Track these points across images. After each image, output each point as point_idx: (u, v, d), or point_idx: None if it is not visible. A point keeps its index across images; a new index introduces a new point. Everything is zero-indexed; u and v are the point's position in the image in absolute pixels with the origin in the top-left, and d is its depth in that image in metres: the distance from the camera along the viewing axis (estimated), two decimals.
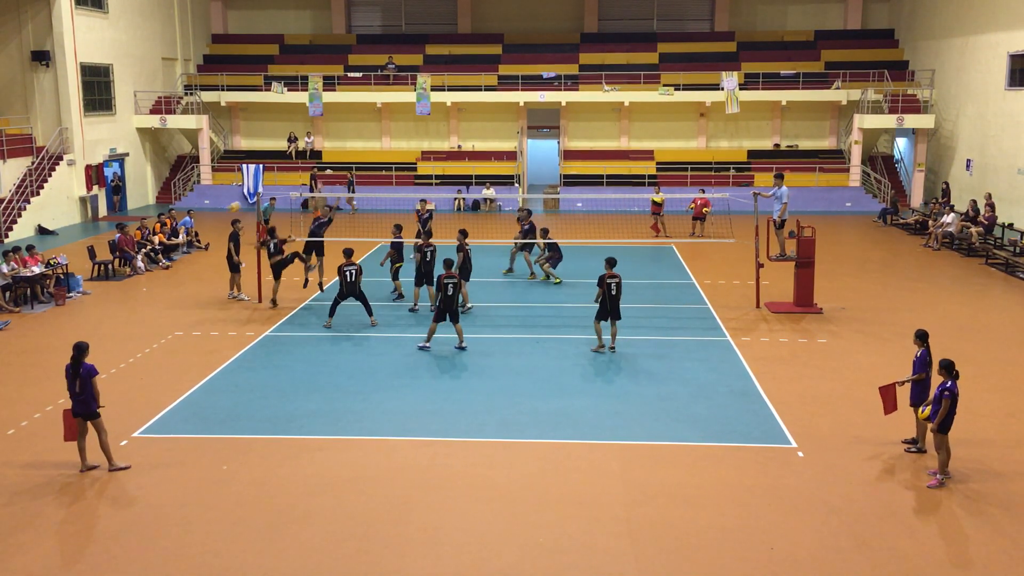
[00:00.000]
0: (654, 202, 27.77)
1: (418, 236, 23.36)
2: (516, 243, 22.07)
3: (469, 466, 11.02)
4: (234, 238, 19.64)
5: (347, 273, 17.09)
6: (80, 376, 10.65)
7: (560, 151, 38.03)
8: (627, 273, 22.39)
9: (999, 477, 10.70)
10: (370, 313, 17.43)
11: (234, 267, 19.56)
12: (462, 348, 15.75)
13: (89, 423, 10.80)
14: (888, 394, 11.49)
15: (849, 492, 10.27)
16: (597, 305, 15.59)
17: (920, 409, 10.94)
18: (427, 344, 15.84)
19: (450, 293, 15.43)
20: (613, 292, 15.29)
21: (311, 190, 32.74)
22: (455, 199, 34.58)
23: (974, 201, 27.02)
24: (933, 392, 10.66)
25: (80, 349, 10.76)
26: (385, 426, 12.32)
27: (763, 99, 36.16)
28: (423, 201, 24.21)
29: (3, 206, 27.51)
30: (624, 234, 26.43)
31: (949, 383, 10.31)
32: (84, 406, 10.72)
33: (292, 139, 37.54)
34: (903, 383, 11.41)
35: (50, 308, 19.18)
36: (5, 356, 15.77)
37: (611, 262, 15.55)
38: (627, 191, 33.60)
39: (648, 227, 27.85)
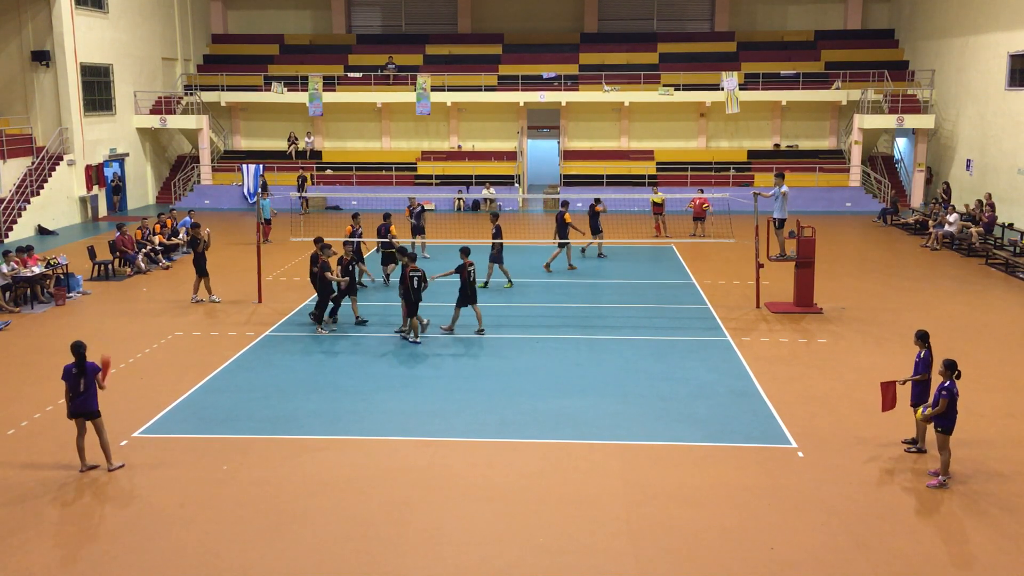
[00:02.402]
0: (654, 202, 27.78)
1: (413, 234, 23.51)
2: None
3: (469, 466, 11.02)
4: (194, 243, 19.36)
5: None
6: (86, 374, 10.65)
7: (560, 151, 38.04)
8: (627, 273, 22.53)
9: (999, 477, 10.70)
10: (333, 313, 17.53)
11: (201, 270, 19.25)
12: (416, 342, 16.19)
13: (89, 423, 10.80)
14: (888, 391, 11.47)
15: (849, 492, 10.27)
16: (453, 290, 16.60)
17: (920, 410, 10.93)
18: (417, 339, 16.20)
19: (416, 286, 15.93)
20: (472, 278, 16.39)
21: (298, 189, 32.67)
22: (455, 199, 34.58)
23: (980, 201, 26.95)
24: (934, 393, 10.66)
25: (83, 347, 10.76)
26: (385, 426, 12.33)
27: (763, 99, 36.16)
28: (411, 198, 24.40)
29: (3, 206, 27.51)
30: (624, 234, 26.41)
31: (948, 383, 10.31)
32: (85, 405, 10.70)
33: (292, 139, 37.54)
34: (904, 382, 11.40)
35: (50, 308, 19.18)
36: (5, 356, 15.77)
37: (466, 251, 16.79)
38: (627, 191, 33.59)
39: (660, 231, 27.85)
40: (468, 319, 17.30)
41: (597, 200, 24.48)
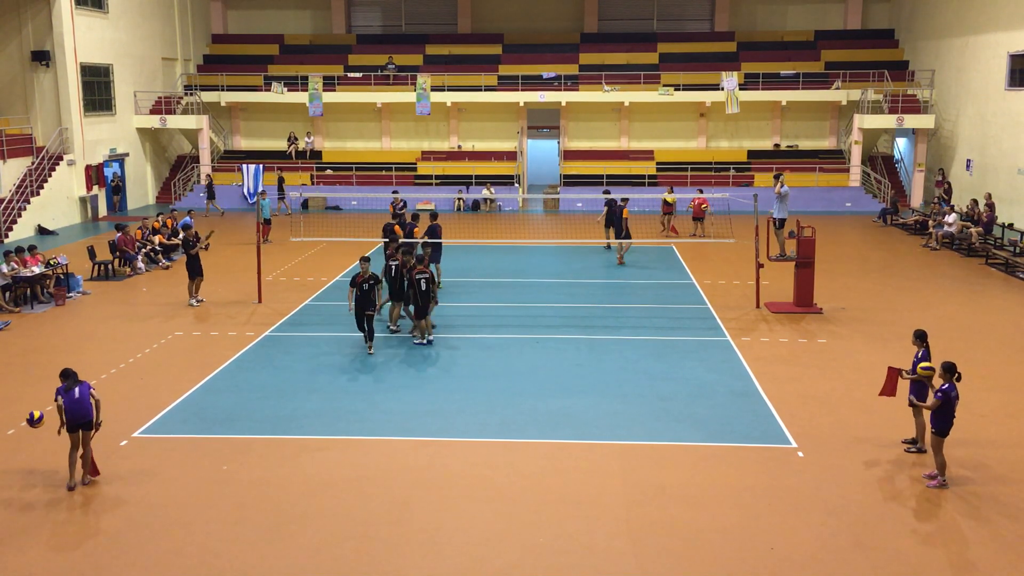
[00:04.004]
0: (665, 202, 27.85)
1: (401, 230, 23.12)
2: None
3: (469, 466, 11.02)
4: (187, 244, 19.07)
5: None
6: (80, 385, 10.51)
7: (560, 151, 38.04)
8: (627, 273, 22.52)
9: (998, 477, 10.69)
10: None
11: (194, 273, 18.99)
12: (425, 343, 16.10)
13: (83, 432, 10.49)
14: (892, 377, 11.42)
15: (849, 492, 10.27)
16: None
17: (911, 397, 10.95)
18: (426, 340, 16.10)
19: (424, 288, 15.83)
20: (424, 287, 15.86)
21: (278, 190, 32.54)
22: (455, 199, 34.59)
23: (975, 201, 27.01)
24: (932, 393, 10.65)
25: (72, 370, 10.59)
26: (385, 426, 12.33)
27: (763, 99, 36.15)
28: (396, 196, 24.38)
29: (3, 206, 27.51)
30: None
31: (947, 385, 10.30)
32: (84, 413, 10.42)
33: (292, 139, 37.55)
34: (905, 376, 11.38)
35: (50, 308, 19.18)
36: (5, 356, 15.77)
37: (420, 259, 16.33)
38: (627, 191, 33.54)
39: (665, 227, 27.94)
40: (454, 319, 17.29)
41: (625, 200, 24.50)
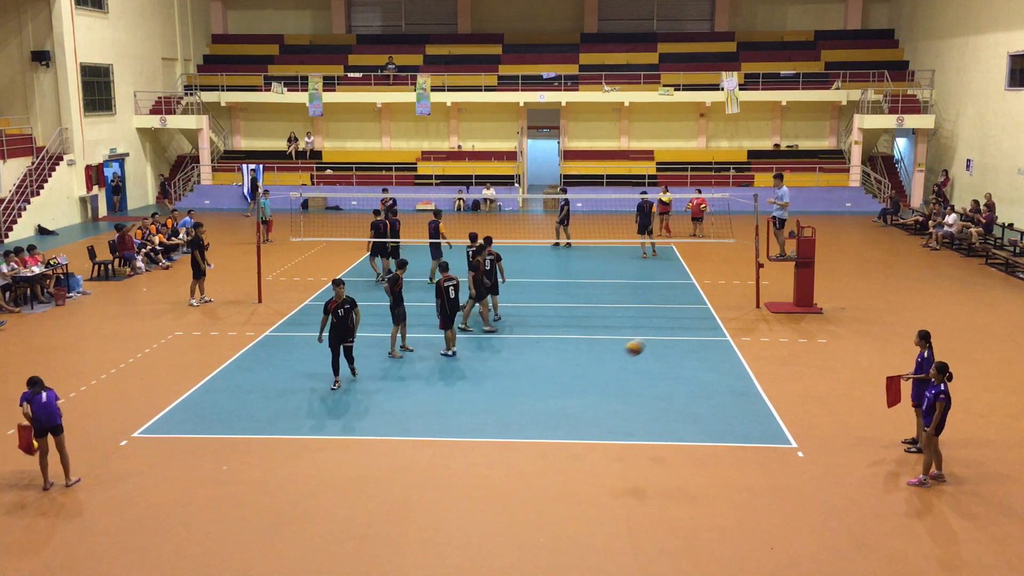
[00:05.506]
0: (661, 202, 27.83)
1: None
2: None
3: (469, 466, 11.02)
4: (197, 244, 19.02)
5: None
6: (46, 390, 10.50)
7: (560, 151, 38.04)
8: (628, 273, 22.52)
9: (999, 478, 10.70)
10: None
11: (199, 273, 18.98)
12: (448, 354, 15.57)
13: (52, 439, 10.48)
14: (893, 386, 11.43)
15: (849, 492, 10.27)
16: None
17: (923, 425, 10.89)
18: (450, 351, 15.58)
19: (452, 296, 15.46)
20: (452, 296, 15.48)
21: (253, 193, 32.43)
22: (456, 199, 34.59)
23: (976, 202, 26.99)
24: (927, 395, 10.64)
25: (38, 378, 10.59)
26: (385, 426, 12.33)
27: (763, 99, 36.14)
28: (385, 194, 24.50)
29: (3, 206, 27.51)
30: (624, 234, 26.44)
31: (942, 386, 10.30)
32: (51, 418, 10.39)
33: (292, 139, 37.54)
34: (907, 378, 11.39)
35: (50, 308, 19.18)
36: (5, 356, 15.77)
37: (444, 266, 15.92)
38: (627, 191, 33.57)
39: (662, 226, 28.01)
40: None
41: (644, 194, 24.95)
